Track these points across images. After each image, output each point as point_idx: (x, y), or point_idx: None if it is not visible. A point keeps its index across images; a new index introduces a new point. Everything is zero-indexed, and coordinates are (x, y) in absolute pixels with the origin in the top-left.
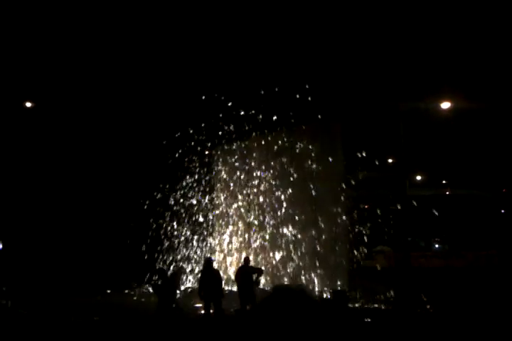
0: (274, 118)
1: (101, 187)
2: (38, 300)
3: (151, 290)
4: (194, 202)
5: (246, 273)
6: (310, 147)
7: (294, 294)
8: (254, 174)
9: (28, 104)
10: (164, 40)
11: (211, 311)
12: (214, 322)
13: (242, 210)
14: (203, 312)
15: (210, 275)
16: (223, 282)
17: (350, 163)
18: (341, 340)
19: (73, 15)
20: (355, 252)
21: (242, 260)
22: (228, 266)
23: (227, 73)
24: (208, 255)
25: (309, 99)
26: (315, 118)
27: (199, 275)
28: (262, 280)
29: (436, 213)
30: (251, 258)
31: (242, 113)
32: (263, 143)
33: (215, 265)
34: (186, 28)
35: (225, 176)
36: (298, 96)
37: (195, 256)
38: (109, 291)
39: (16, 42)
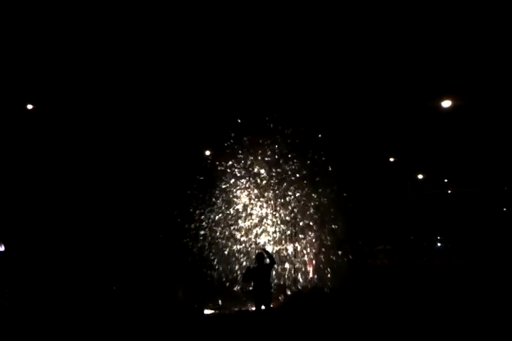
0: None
1: (102, 189)
2: (42, 301)
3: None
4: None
5: (262, 271)
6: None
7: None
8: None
9: (29, 106)
10: (164, 41)
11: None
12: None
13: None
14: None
15: (197, 276)
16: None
17: (353, 162)
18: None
19: (74, 15)
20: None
21: (255, 257)
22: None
23: (227, 74)
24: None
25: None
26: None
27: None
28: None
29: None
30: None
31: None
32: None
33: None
34: (185, 29)
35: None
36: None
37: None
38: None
39: (16, 43)
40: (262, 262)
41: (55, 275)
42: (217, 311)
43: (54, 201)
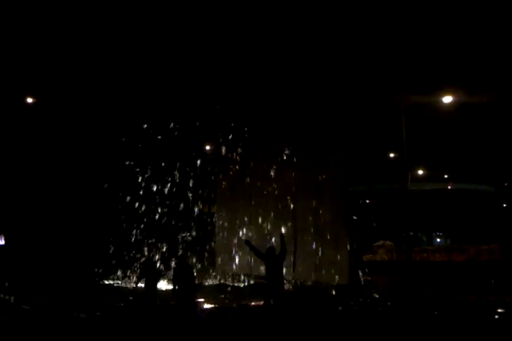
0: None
1: (98, 182)
2: (41, 295)
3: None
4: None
5: (275, 263)
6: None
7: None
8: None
9: (29, 100)
10: (164, 39)
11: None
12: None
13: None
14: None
15: (183, 271)
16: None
17: (352, 158)
18: (346, 335)
19: (72, 12)
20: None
21: (266, 252)
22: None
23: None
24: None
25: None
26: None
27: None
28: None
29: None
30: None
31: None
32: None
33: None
34: (184, 30)
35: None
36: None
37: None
38: (111, 283)
39: (16, 38)
40: (274, 255)
41: (56, 269)
42: (217, 305)
43: (52, 197)
